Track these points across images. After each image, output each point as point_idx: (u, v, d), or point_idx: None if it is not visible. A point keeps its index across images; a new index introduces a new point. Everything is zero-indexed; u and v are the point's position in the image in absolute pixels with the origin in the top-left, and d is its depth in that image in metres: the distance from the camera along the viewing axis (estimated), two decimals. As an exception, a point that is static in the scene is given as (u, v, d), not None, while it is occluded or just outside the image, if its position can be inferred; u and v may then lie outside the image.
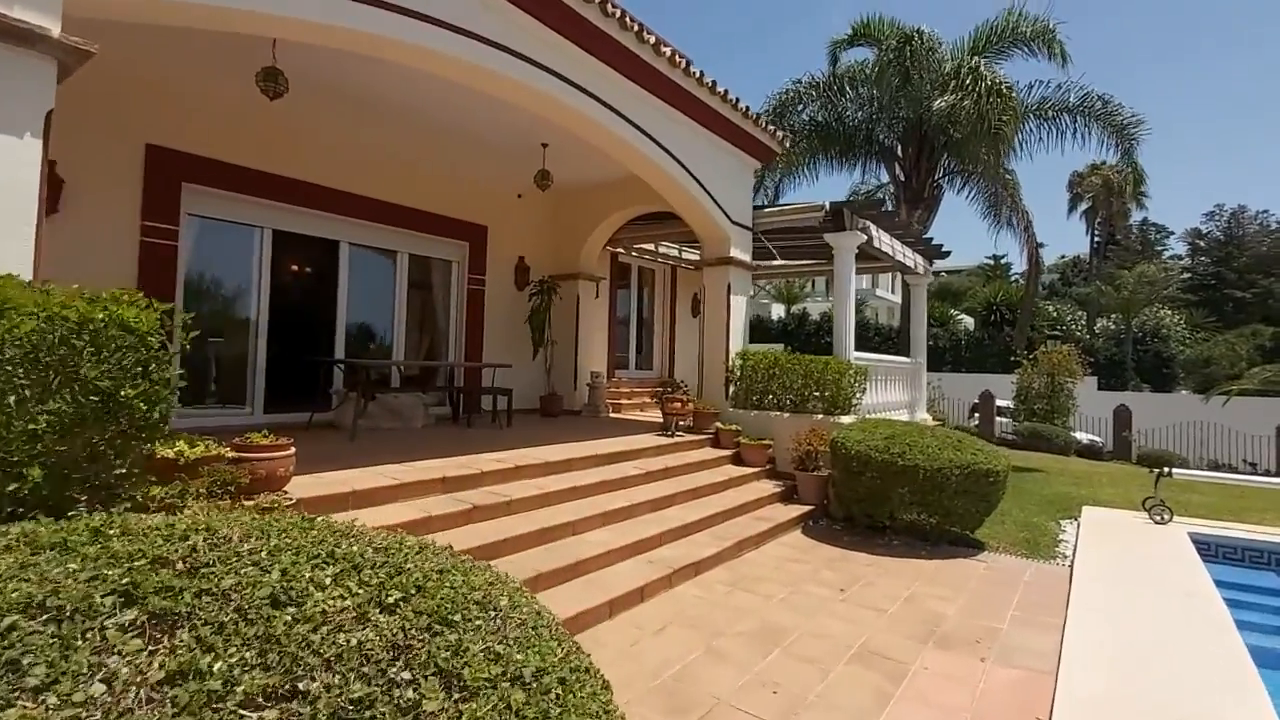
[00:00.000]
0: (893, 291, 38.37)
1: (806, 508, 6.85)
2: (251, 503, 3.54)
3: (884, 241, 9.15)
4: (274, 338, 7.42)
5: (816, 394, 7.77)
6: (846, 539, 6.35)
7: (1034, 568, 5.80)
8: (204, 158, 6.61)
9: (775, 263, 13.19)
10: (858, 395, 7.77)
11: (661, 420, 8.19)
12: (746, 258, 8.85)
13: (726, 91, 7.73)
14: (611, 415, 10.35)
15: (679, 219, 9.58)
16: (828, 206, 8.37)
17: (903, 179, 15.01)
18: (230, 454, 3.66)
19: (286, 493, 3.99)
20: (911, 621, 4.38)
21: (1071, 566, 5.75)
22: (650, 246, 12.31)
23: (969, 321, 29.12)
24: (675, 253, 12.85)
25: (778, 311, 35.76)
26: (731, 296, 8.50)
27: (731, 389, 8.42)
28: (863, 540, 6.30)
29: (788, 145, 9.79)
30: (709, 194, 8.01)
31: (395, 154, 8.35)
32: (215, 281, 7.04)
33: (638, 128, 6.76)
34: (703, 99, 7.58)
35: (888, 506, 6.20)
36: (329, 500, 4.11)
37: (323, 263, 8.01)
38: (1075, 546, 6.38)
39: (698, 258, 12.73)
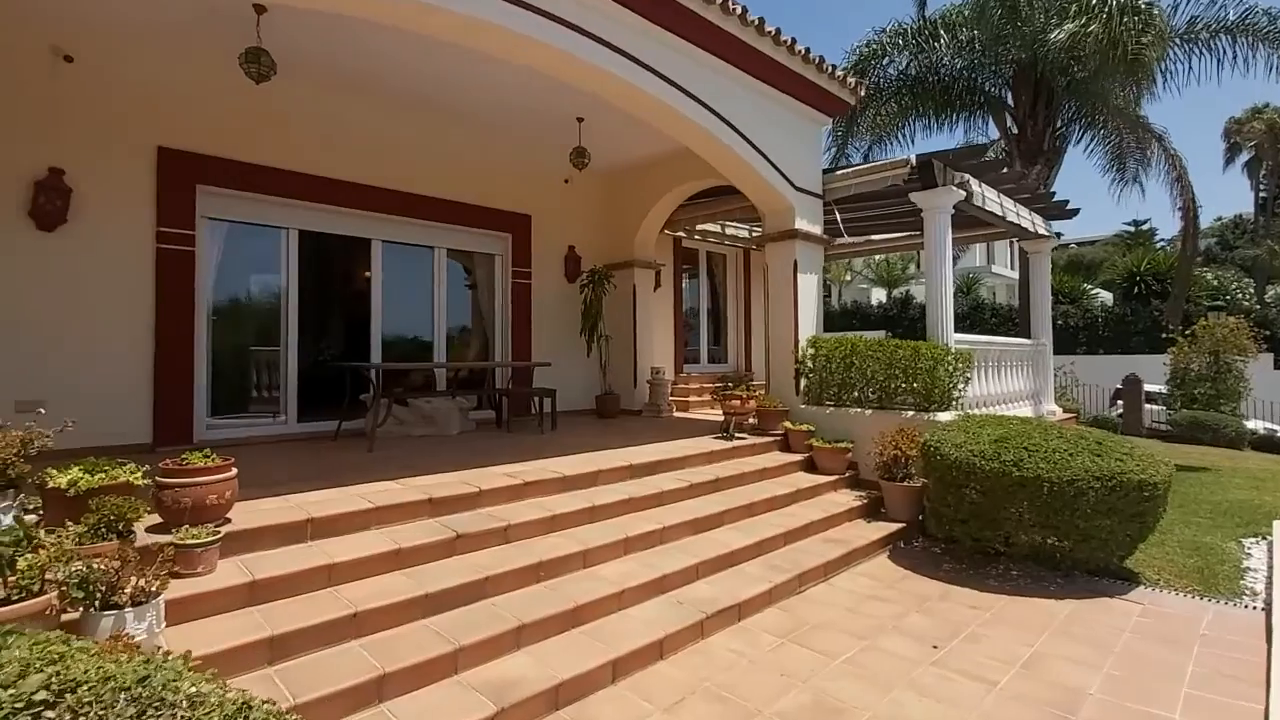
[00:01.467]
0: (1012, 267, 34.54)
1: (895, 525, 5.59)
2: (163, 539, 2.94)
3: (989, 199, 7.57)
4: (305, 343, 7.10)
5: (905, 386, 6.43)
6: (947, 568, 5.05)
7: (1212, 612, 4.28)
8: (219, 158, 6.33)
9: (860, 239, 11.69)
10: (959, 386, 6.35)
11: (723, 419, 7.14)
12: (816, 230, 7.59)
13: (778, 31, 6.54)
14: (675, 415, 9.41)
15: (741, 192, 8.48)
16: (913, 160, 6.97)
17: (1015, 132, 12.93)
18: (139, 481, 3.07)
19: (227, 520, 3.39)
20: (1034, 701, 3.14)
21: (1268, 610, 4.20)
22: (716, 228, 11.22)
23: (1106, 296, 25.41)
24: (745, 233, 11.66)
25: (878, 296, 33.16)
26: (799, 275, 7.28)
27: (803, 383, 7.22)
28: (969, 570, 4.98)
29: (863, 94, 8.39)
30: (765, 157, 6.86)
31: (425, 144, 7.84)
32: (240, 287, 6.79)
33: (667, 80, 5.76)
34: (749, 42, 6.44)
35: (1000, 528, 4.84)
36: (278, 531, 3.47)
37: (354, 263, 7.63)
38: (1269, 579, 4.76)
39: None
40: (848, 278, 34.68)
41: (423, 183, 7.83)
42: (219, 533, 3.16)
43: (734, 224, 11.42)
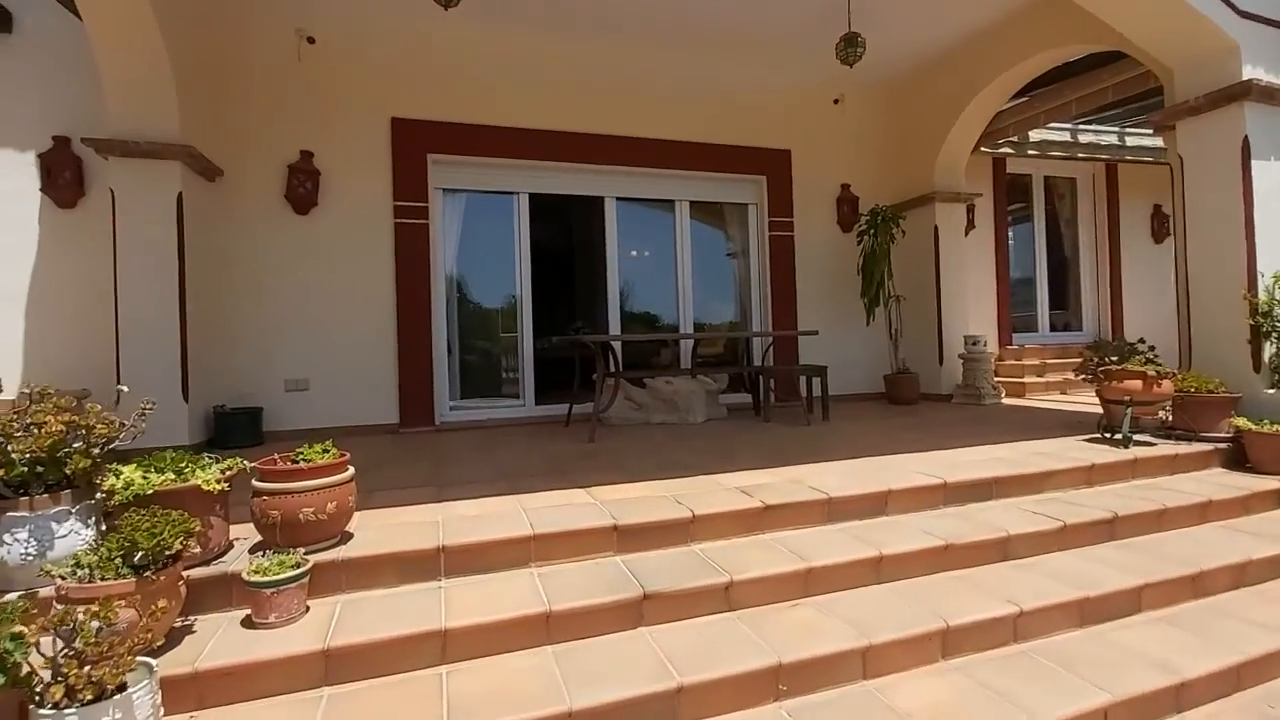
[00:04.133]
0: None
1: None
2: (236, 569, 2.07)
3: None
4: (540, 317, 6.48)
5: None
6: None
7: None
8: (446, 123, 5.93)
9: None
10: None
11: (1100, 412, 4.51)
12: (1290, 79, 4.34)
13: None
14: (1004, 401, 6.74)
15: (1113, 64, 5.50)
16: None
17: None
18: (215, 486, 2.26)
19: (343, 539, 2.47)
20: None
21: None
22: (1061, 136, 7.92)
23: None
24: (1112, 140, 8.06)
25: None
26: (1252, 163, 4.20)
27: (1269, 350, 4.15)
28: None
29: None
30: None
31: (658, 77, 6.60)
32: (473, 260, 6.37)
33: None
34: None
35: None
36: (401, 563, 2.44)
37: (587, 226, 6.79)
38: None
39: (1153, 140, 7.86)
40: None
41: (660, 125, 6.63)
42: (306, 562, 2.22)
43: (1091, 127, 7.96)
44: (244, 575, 2.12)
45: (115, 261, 4.57)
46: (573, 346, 5.85)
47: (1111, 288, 8.70)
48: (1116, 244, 8.70)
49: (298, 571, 2.15)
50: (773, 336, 6.57)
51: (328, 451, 2.56)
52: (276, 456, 2.51)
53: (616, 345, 6.06)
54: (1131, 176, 8.73)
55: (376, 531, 2.64)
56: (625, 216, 6.77)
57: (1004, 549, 2.91)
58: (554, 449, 4.64)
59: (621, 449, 4.55)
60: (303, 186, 5.50)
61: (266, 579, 2.08)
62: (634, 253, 6.97)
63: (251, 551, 2.43)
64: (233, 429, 5.07)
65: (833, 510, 3.03)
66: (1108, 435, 4.31)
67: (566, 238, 8.40)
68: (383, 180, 5.79)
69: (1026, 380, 7.35)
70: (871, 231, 6.87)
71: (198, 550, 2.20)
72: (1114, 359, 4.62)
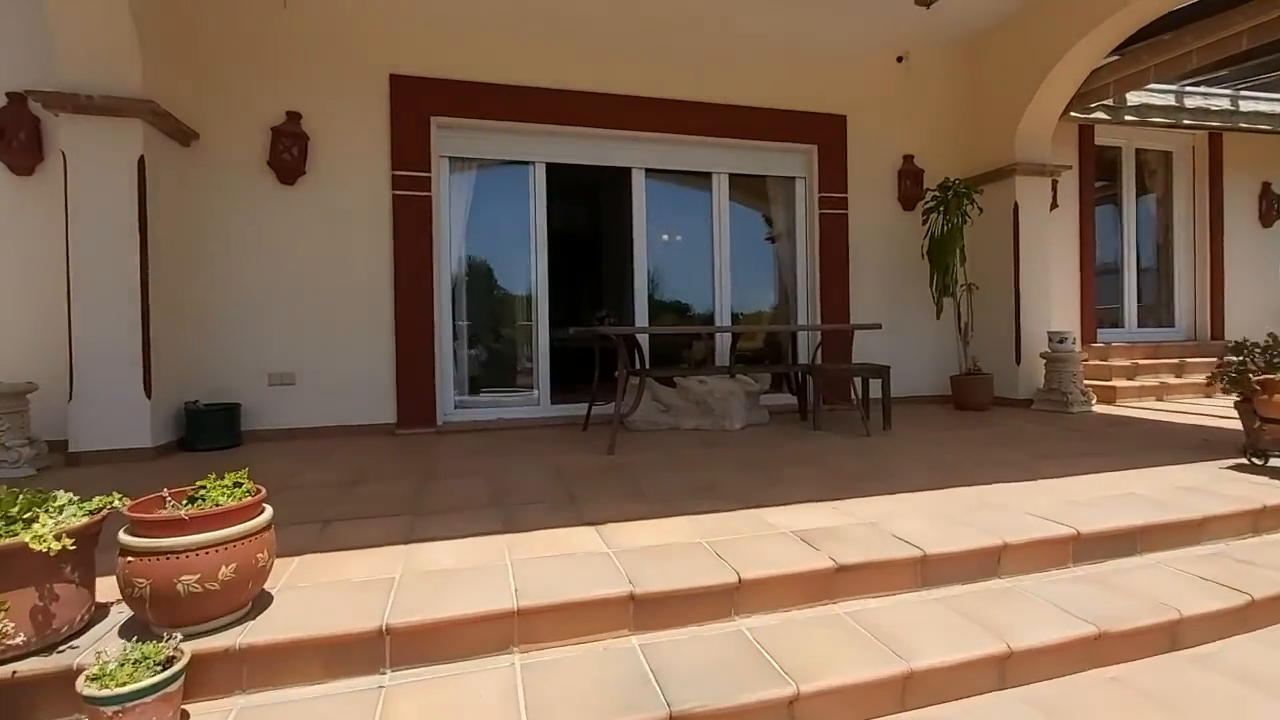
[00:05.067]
0: None
1: None
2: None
3: None
4: (557, 306, 5.75)
5: None
6: None
7: None
8: (454, 81, 5.21)
9: None
10: None
11: (1242, 430, 3.61)
12: None
13: None
14: (1094, 409, 5.80)
15: (1248, 3, 4.49)
16: None
17: None
18: (50, 544, 1.57)
19: (254, 609, 1.77)
20: None
21: None
22: (1165, 100, 6.84)
23: None
24: (1224, 105, 6.95)
25: None
26: None
27: None
28: None
29: None
30: None
31: (693, 31, 5.75)
32: (481, 239, 5.65)
33: None
34: None
35: None
36: (328, 650, 1.73)
37: (613, 202, 6.02)
38: None
39: (1272, 105, 6.79)
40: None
41: (696, 85, 5.79)
42: (180, 656, 1.52)
43: (1199, 89, 6.87)
44: (79, 683, 1.44)
45: (67, 234, 3.99)
46: (594, 338, 5.11)
47: (1213, 277, 7.59)
48: (1220, 228, 7.58)
49: (159, 678, 1.46)
50: (821, 330, 5.73)
51: (240, 485, 1.87)
52: (166, 494, 1.82)
53: (643, 338, 5.32)
54: (1237, 150, 7.58)
55: (306, 595, 1.94)
56: (655, 192, 5.97)
57: (1172, 635, 2.09)
58: (565, 461, 3.91)
59: (645, 463, 3.80)
60: (288, 152, 4.83)
61: (106, 693, 1.39)
62: (665, 237, 6.19)
63: (122, 634, 1.75)
64: (206, 429, 4.47)
65: (928, 572, 2.24)
66: (1257, 462, 3.42)
67: (589, 216, 7.64)
68: (380, 146, 5.10)
69: (1115, 383, 6.37)
70: (941, 209, 5.95)
71: (20, 640, 1.53)
72: (1254, 362, 3.72)
